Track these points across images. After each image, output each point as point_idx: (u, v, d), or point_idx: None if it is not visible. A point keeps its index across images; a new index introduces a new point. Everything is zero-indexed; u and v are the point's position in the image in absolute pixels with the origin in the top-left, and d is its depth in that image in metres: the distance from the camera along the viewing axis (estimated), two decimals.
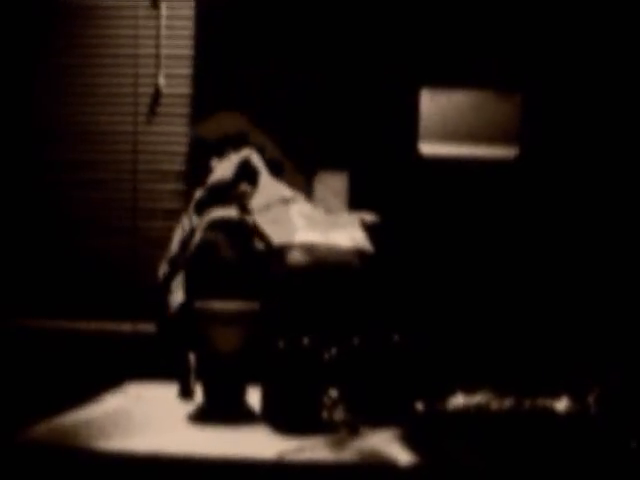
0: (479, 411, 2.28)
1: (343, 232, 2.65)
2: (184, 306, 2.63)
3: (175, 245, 2.76)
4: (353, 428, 2.24)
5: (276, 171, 2.88)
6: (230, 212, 2.66)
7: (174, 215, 3.28)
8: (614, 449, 2.09)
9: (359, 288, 2.52)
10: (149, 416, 2.38)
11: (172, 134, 3.36)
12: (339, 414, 2.27)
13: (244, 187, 2.73)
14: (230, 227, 2.61)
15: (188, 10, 3.35)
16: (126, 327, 3.25)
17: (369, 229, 2.69)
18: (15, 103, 3.40)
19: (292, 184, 2.87)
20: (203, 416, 2.36)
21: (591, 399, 2.31)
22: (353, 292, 2.50)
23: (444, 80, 3.23)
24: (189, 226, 2.72)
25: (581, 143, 3.19)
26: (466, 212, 3.19)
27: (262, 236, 2.59)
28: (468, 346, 2.86)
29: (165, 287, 2.72)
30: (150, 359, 3.01)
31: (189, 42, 3.36)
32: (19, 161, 3.39)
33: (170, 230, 3.21)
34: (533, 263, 3.15)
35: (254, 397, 2.39)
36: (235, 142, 2.89)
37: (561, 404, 2.28)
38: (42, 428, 2.21)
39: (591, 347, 2.97)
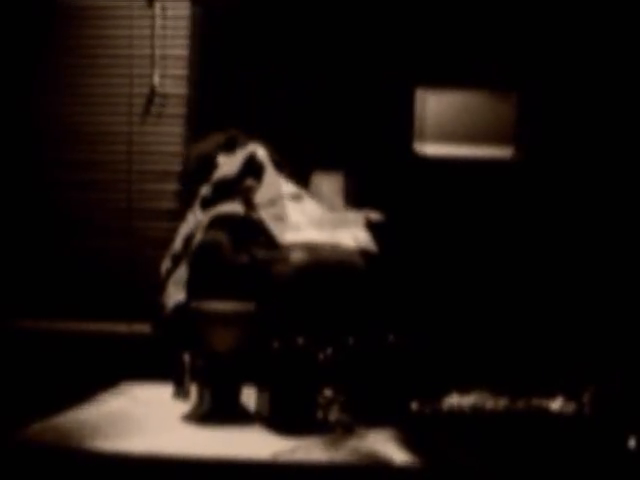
0: (474, 411, 2.28)
1: (346, 231, 2.65)
2: (179, 306, 2.63)
3: (178, 241, 2.76)
4: (348, 428, 2.24)
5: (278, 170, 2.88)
6: (235, 207, 2.65)
7: (169, 215, 3.29)
8: (610, 448, 2.09)
9: (359, 288, 2.52)
10: (144, 416, 2.39)
11: (167, 134, 3.36)
12: (334, 414, 2.27)
13: (249, 182, 2.72)
14: (235, 223, 2.60)
15: (183, 10, 3.35)
16: (122, 328, 3.25)
17: (373, 228, 2.69)
18: (10, 103, 3.39)
19: None
20: (198, 416, 2.36)
21: (586, 399, 2.32)
22: (353, 292, 2.50)
23: (440, 80, 3.23)
24: (193, 222, 2.72)
25: (578, 143, 3.20)
26: (462, 212, 3.19)
27: (266, 232, 2.58)
28: (463, 346, 2.86)
29: (166, 284, 2.72)
30: (146, 360, 3.02)
31: (184, 42, 3.36)
32: (14, 161, 3.38)
33: (166, 230, 3.22)
34: (528, 263, 3.16)
35: (249, 397, 2.39)
36: (227, 147, 2.88)
37: (555, 404, 2.28)
38: (37, 429, 2.22)
39: (586, 347, 2.98)
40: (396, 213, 2.94)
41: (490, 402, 2.30)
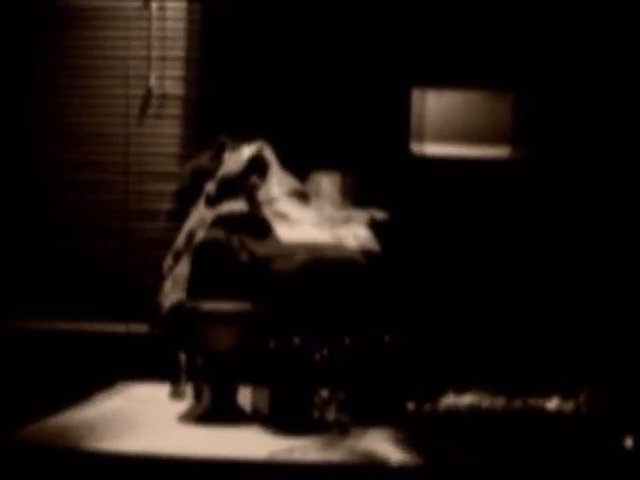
0: (471, 411, 2.28)
1: (348, 230, 2.64)
2: (176, 305, 2.63)
3: (181, 238, 2.75)
4: (344, 428, 2.24)
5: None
6: (239, 205, 2.64)
7: (166, 216, 3.29)
8: (606, 448, 2.10)
9: (359, 287, 2.51)
10: (141, 416, 2.39)
11: (164, 135, 3.36)
12: (331, 414, 2.27)
13: (254, 180, 2.71)
14: (238, 221, 2.59)
15: (179, 11, 3.35)
16: (119, 328, 3.25)
17: (375, 227, 2.69)
18: (6, 104, 3.39)
19: None
20: (195, 416, 2.37)
21: (582, 398, 2.32)
22: (353, 291, 2.50)
23: (437, 80, 3.23)
24: (196, 219, 2.70)
25: (575, 142, 3.20)
26: (459, 212, 3.19)
27: (269, 231, 2.58)
28: (460, 346, 2.86)
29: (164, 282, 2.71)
30: (143, 359, 3.02)
31: (180, 43, 3.36)
32: (11, 162, 3.38)
33: (163, 231, 3.22)
34: (525, 263, 3.16)
35: (245, 397, 2.39)
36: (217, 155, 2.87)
37: (552, 403, 2.28)
38: (35, 429, 2.22)
39: (582, 347, 2.98)
40: (392, 213, 2.94)
41: (487, 402, 2.31)
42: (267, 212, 2.62)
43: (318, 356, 2.28)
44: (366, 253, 2.58)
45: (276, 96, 3.26)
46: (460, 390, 2.35)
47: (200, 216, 2.68)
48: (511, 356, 2.84)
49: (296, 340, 2.27)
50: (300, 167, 2.95)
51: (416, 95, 3.24)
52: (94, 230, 3.36)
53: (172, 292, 2.61)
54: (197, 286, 2.52)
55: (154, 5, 3.36)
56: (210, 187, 2.72)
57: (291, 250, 2.51)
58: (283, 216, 2.63)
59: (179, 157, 3.35)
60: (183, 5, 3.35)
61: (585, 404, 2.30)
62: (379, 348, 2.38)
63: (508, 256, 3.16)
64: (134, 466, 1.99)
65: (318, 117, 3.25)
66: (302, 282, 2.46)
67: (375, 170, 3.18)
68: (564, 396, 2.32)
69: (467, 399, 2.32)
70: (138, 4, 3.36)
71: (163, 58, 3.37)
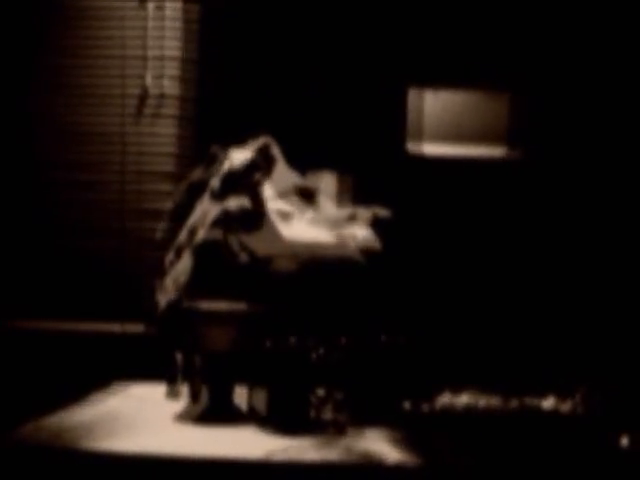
0: (467, 410, 2.28)
1: (350, 229, 2.64)
2: (172, 305, 2.63)
3: (184, 233, 2.73)
4: (341, 427, 2.24)
5: None
6: (243, 202, 2.62)
7: (163, 216, 3.28)
8: (602, 447, 2.10)
9: (359, 286, 2.51)
10: (137, 416, 2.39)
11: (160, 135, 3.36)
12: (327, 413, 2.27)
13: (258, 176, 2.70)
14: (240, 219, 2.58)
15: (176, 11, 3.35)
16: (115, 328, 3.25)
17: (379, 225, 2.68)
18: (2, 103, 3.39)
19: None
20: (192, 416, 2.37)
21: (578, 398, 2.32)
22: (353, 290, 2.49)
23: (433, 80, 3.24)
24: (199, 213, 2.69)
25: (573, 142, 3.20)
26: (455, 212, 3.20)
27: (271, 229, 2.56)
28: (456, 345, 2.87)
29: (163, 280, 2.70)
30: (139, 359, 3.02)
31: (177, 43, 3.36)
32: (7, 162, 3.38)
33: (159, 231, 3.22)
34: (522, 263, 3.16)
35: (241, 397, 2.39)
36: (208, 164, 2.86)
37: (548, 403, 2.29)
38: (31, 429, 2.22)
39: (578, 346, 2.98)
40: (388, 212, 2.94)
41: (483, 401, 2.31)
42: (270, 210, 2.61)
43: (315, 356, 2.28)
44: (366, 252, 2.58)
45: (273, 96, 3.26)
46: (456, 390, 2.35)
47: (203, 211, 2.67)
48: (507, 356, 2.85)
49: (293, 340, 2.28)
50: (297, 166, 2.95)
51: (415, 95, 3.24)
52: (90, 230, 3.36)
53: (170, 291, 2.60)
54: (197, 285, 2.51)
55: (150, 5, 3.36)
56: (214, 182, 2.70)
57: (292, 249, 2.51)
58: (286, 214, 2.62)
59: (175, 157, 3.35)
60: (179, 5, 3.35)
61: (581, 403, 2.30)
62: (376, 348, 2.38)
63: (504, 256, 3.16)
64: (131, 466, 1.99)
65: (315, 117, 3.25)
66: (301, 282, 2.46)
67: (371, 169, 3.18)
68: (560, 395, 2.32)
69: (463, 399, 2.32)
70: (134, 4, 3.36)
71: (159, 58, 3.37)
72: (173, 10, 3.36)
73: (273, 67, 3.27)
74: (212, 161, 2.79)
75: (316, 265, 2.48)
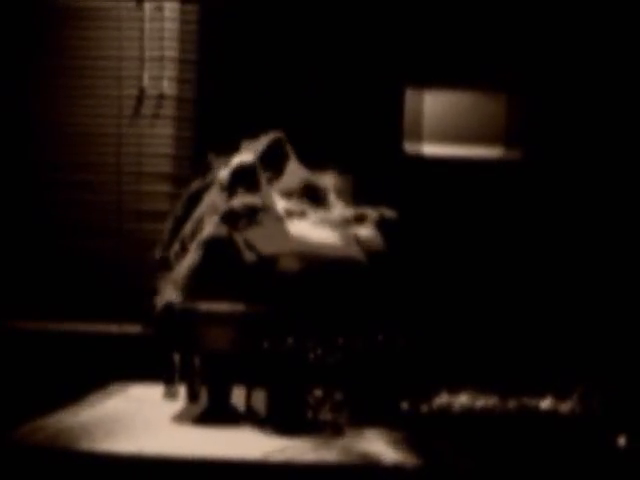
0: (465, 411, 2.29)
1: (355, 230, 2.63)
2: (171, 306, 2.62)
3: (189, 226, 2.71)
4: (338, 428, 2.25)
5: None
6: (252, 200, 2.60)
7: (159, 217, 3.28)
8: (600, 447, 2.10)
9: (360, 288, 2.50)
10: (135, 417, 2.39)
11: (156, 136, 3.35)
12: (324, 414, 2.28)
13: (269, 174, 2.68)
14: (247, 217, 2.56)
15: (173, 12, 3.35)
16: (113, 328, 3.25)
17: (385, 226, 2.67)
18: None
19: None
20: (190, 416, 2.37)
21: (575, 398, 2.33)
22: (354, 292, 2.49)
23: (430, 80, 3.24)
24: (208, 205, 2.67)
25: (568, 143, 3.21)
26: (451, 212, 3.20)
27: (280, 228, 2.55)
28: (454, 346, 2.87)
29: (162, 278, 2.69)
30: (137, 360, 3.02)
31: (174, 44, 3.35)
32: (3, 162, 3.38)
33: (156, 232, 3.22)
34: (519, 264, 3.16)
35: (239, 398, 2.39)
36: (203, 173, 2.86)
37: (545, 403, 2.29)
38: (29, 430, 2.21)
39: (575, 347, 2.99)
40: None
41: (481, 402, 2.31)
42: (278, 208, 2.59)
43: (313, 356, 2.28)
44: (370, 253, 2.57)
45: (271, 96, 3.26)
46: (455, 390, 2.35)
47: (211, 201, 2.64)
48: (505, 356, 2.85)
49: (291, 340, 2.28)
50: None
51: (414, 95, 3.24)
52: (87, 230, 3.36)
53: (168, 292, 2.59)
54: (200, 283, 2.50)
55: (147, 6, 3.36)
56: (223, 174, 2.68)
57: (297, 248, 2.50)
58: (293, 213, 2.61)
59: (172, 158, 3.35)
60: (176, 6, 3.35)
61: (579, 404, 2.31)
62: (374, 348, 2.38)
63: (501, 256, 3.17)
64: (129, 467, 1.99)
65: (313, 117, 3.24)
66: (304, 281, 2.45)
67: (368, 170, 3.18)
68: (558, 396, 2.33)
69: (462, 399, 2.32)
70: (131, 5, 3.36)
71: (156, 58, 3.36)
72: (171, 11, 3.36)
73: (271, 68, 3.27)
74: (209, 171, 2.79)
75: (320, 265, 2.48)
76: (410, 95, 3.26)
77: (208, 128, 3.24)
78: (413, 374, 2.41)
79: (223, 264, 2.47)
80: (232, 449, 2.05)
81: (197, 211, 2.67)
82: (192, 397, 2.54)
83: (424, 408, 2.30)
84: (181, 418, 2.37)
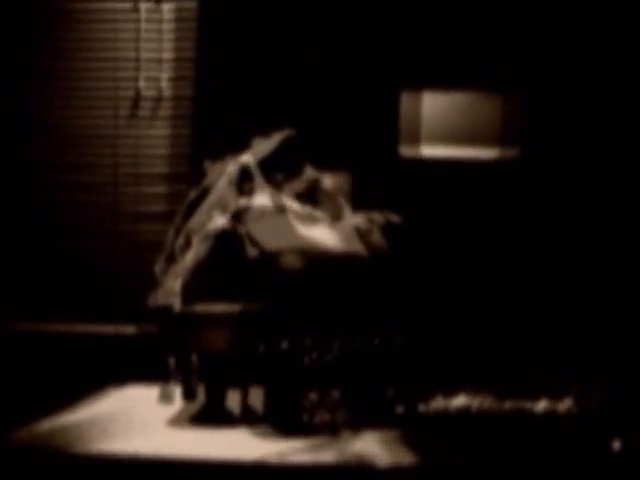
0: (461, 412, 2.29)
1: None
2: (167, 307, 2.62)
3: (197, 216, 2.69)
4: (335, 429, 2.25)
5: None
6: (263, 200, 2.58)
7: (156, 218, 3.29)
8: (595, 450, 2.11)
9: (363, 288, 2.50)
10: (132, 418, 2.39)
11: (153, 137, 3.36)
12: (320, 416, 2.28)
13: (280, 177, 2.68)
14: (257, 218, 2.55)
15: (169, 12, 3.35)
16: (109, 329, 3.25)
17: (390, 230, 2.67)
18: None
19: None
20: (186, 418, 2.37)
21: (571, 400, 2.33)
22: (356, 292, 2.49)
23: (426, 82, 3.24)
24: (216, 199, 2.66)
25: (565, 143, 3.21)
26: (449, 214, 3.20)
27: (286, 224, 2.54)
28: (450, 347, 2.87)
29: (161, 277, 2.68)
30: (133, 361, 3.02)
31: (170, 44, 3.36)
32: (0, 164, 3.38)
33: (153, 233, 3.22)
34: (517, 266, 3.17)
35: (236, 400, 2.39)
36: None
37: (540, 405, 2.29)
38: (26, 431, 2.21)
39: (571, 348, 2.99)
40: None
41: (477, 403, 2.31)
42: (290, 211, 2.58)
43: (309, 357, 2.28)
44: (373, 254, 2.57)
45: (269, 97, 3.26)
46: (451, 391, 2.35)
47: (219, 196, 2.63)
48: (501, 357, 2.85)
49: (287, 341, 2.28)
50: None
51: (413, 97, 3.24)
52: (84, 232, 3.36)
53: (166, 292, 2.58)
54: (202, 279, 2.49)
55: (143, 6, 3.36)
56: (232, 168, 2.67)
57: (301, 245, 2.49)
58: (304, 217, 2.60)
59: (169, 158, 3.35)
60: (172, 6, 3.35)
61: (574, 406, 2.31)
62: (371, 349, 2.38)
63: (498, 257, 3.17)
64: (125, 468, 1.99)
65: (311, 118, 3.24)
66: (305, 279, 2.44)
67: (366, 171, 3.18)
68: (553, 398, 2.33)
69: (458, 400, 2.32)
70: (127, 5, 3.36)
71: (153, 59, 3.37)
72: (166, 11, 3.36)
73: (269, 68, 3.27)
74: (204, 177, 2.78)
75: (322, 262, 2.47)
76: (407, 96, 3.26)
77: (206, 127, 3.24)
78: (410, 375, 2.41)
79: (229, 258, 2.47)
80: (229, 450, 2.05)
81: (204, 204, 2.66)
82: (188, 395, 2.53)
83: (421, 409, 2.30)
84: (177, 419, 2.37)
